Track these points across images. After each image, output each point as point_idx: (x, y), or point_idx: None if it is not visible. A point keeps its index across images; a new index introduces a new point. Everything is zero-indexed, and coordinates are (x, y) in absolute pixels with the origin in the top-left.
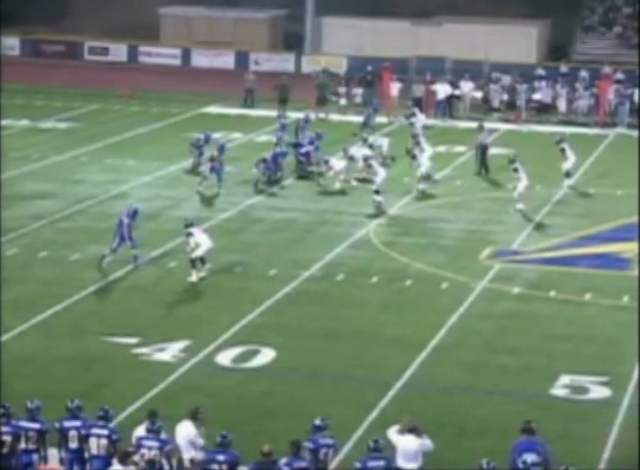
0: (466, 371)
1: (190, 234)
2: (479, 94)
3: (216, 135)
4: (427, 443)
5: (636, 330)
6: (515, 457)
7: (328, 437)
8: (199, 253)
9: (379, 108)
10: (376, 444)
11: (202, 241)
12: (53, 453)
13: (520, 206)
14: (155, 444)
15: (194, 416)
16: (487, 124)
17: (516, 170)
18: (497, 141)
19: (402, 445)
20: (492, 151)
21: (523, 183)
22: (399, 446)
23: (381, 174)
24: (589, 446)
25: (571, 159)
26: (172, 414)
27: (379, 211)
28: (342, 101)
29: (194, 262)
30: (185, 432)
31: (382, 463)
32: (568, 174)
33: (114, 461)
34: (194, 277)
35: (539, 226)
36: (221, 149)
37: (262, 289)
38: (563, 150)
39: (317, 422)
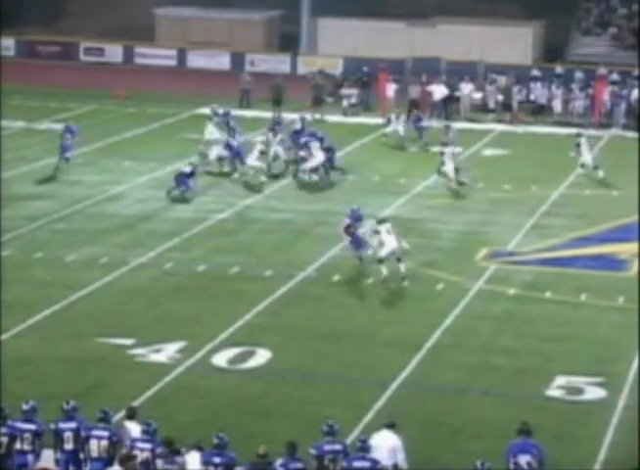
0: (462, 372)
1: (377, 232)
2: (477, 95)
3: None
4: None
5: (631, 331)
6: (510, 458)
7: (337, 442)
8: (382, 253)
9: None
10: (363, 444)
11: (387, 240)
12: (48, 455)
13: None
14: (147, 445)
15: (199, 447)
16: (482, 125)
17: (578, 145)
18: (492, 142)
19: (377, 441)
20: (487, 152)
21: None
22: (374, 443)
23: (318, 156)
24: (584, 447)
25: (587, 153)
26: (168, 416)
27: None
28: (345, 102)
29: (382, 260)
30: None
31: (367, 464)
32: (596, 167)
33: (115, 463)
34: (384, 271)
35: (535, 227)
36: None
37: (258, 290)
38: (578, 145)
39: (324, 427)
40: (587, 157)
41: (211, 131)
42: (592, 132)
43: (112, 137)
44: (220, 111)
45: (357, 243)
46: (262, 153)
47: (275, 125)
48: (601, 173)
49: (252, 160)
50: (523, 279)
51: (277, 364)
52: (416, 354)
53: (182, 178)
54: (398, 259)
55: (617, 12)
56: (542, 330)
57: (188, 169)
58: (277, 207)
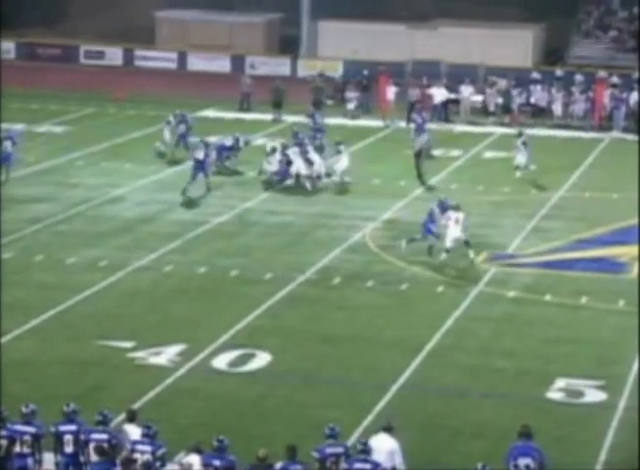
0: (462, 374)
1: (448, 218)
2: (478, 98)
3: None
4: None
5: (632, 333)
6: (510, 461)
7: (339, 445)
8: (447, 244)
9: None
10: (364, 446)
11: (452, 229)
12: (48, 458)
13: None
14: (148, 448)
15: (198, 449)
16: (482, 128)
17: (524, 144)
18: (492, 145)
19: (375, 444)
20: (487, 154)
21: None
22: (372, 446)
23: (317, 161)
24: (585, 450)
25: (525, 153)
26: (168, 418)
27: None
28: (350, 105)
29: (447, 251)
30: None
31: (368, 467)
32: (522, 166)
33: (116, 465)
34: (471, 255)
35: (535, 230)
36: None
37: (258, 292)
38: (525, 143)
39: (325, 430)
40: (521, 158)
41: (165, 134)
42: (592, 135)
43: (111, 140)
44: (180, 115)
45: (432, 232)
46: (307, 160)
47: (302, 141)
48: (532, 167)
49: (303, 168)
50: (523, 282)
51: (277, 367)
52: (416, 356)
53: (199, 165)
54: (467, 243)
55: (617, 15)
56: (542, 332)
57: (201, 156)
58: (277, 209)
